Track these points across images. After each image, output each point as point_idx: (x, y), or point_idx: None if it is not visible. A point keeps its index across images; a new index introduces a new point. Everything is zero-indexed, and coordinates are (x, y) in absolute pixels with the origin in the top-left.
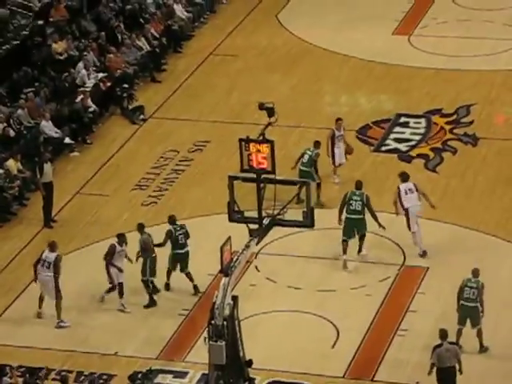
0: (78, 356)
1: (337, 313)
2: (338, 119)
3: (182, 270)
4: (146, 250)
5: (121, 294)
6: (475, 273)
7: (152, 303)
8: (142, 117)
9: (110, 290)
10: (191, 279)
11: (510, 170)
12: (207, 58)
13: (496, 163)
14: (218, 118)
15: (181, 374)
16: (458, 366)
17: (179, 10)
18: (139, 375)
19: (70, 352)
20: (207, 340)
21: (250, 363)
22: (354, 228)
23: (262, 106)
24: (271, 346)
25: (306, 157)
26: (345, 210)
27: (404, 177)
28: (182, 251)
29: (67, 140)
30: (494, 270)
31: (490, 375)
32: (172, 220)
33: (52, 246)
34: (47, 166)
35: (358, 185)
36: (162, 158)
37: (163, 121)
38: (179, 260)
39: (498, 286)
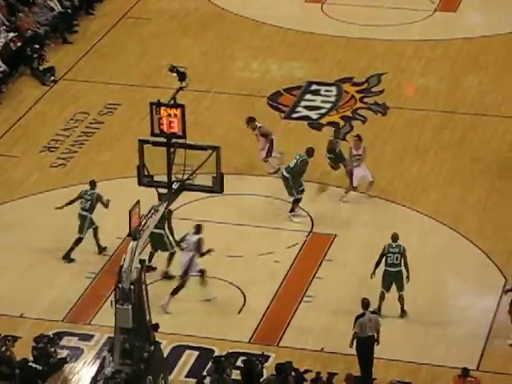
0: None
1: (244, 279)
2: (356, 136)
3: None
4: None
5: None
6: (395, 237)
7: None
8: (52, 78)
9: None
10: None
11: (418, 140)
12: (120, 20)
13: (405, 133)
14: (130, 81)
15: (86, 337)
16: (376, 336)
17: None
18: (45, 338)
19: None
20: (113, 303)
21: (156, 327)
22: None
23: (172, 69)
24: (178, 311)
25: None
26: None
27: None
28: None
29: None
30: (402, 240)
31: (410, 339)
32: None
33: None
34: None
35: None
36: (71, 120)
37: (74, 83)
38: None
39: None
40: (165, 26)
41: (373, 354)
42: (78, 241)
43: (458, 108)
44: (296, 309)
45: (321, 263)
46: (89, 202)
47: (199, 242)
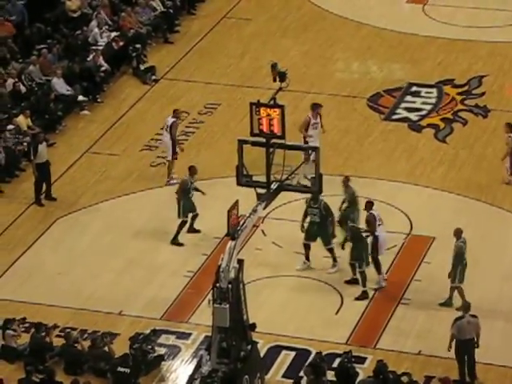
0: (82, 314)
1: (341, 280)
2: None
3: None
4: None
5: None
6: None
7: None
8: (153, 77)
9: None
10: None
11: None
12: (220, 20)
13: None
14: (230, 81)
15: (184, 336)
16: (476, 339)
17: None
18: (140, 337)
19: (74, 310)
20: (211, 302)
21: (253, 327)
22: None
23: (274, 67)
24: (275, 311)
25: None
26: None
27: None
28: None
29: (80, 97)
30: (500, 241)
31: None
32: (192, 171)
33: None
34: (42, 147)
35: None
36: None
37: (174, 82)
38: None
39: (502, 255)
40: (265, 26)
41: (473, 358)
42: (182, 224)
43: None
44: (394, 311)
45: (419, 265)
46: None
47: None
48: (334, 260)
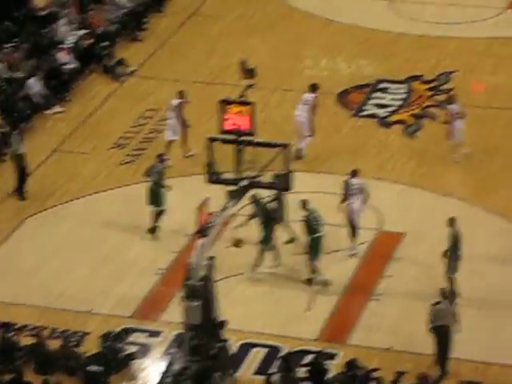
0: (52, 312)
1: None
2: None
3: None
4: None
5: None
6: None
7: None
8: (130, 69)
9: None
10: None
11: (486, 139)
12: (189, 18)
13: (474, 131)
14: (199, 78)
15: (155, 333)
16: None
17: None
18: (111, 335)
19: (44, 308)
20: (182, 300)
21: (223, 324)
22: None
23: (243, 64)
24: (246, 308)
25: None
26: None
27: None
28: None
29: (57, 108)
30: (470, 237)
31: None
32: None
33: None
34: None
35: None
36: (141, 117)
37: (143, 80)
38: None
39: (472, 251)
40: (233, 24)
41: (448, 345)
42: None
43: None
44: (364, 307)
45: (390, 261)
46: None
47: None
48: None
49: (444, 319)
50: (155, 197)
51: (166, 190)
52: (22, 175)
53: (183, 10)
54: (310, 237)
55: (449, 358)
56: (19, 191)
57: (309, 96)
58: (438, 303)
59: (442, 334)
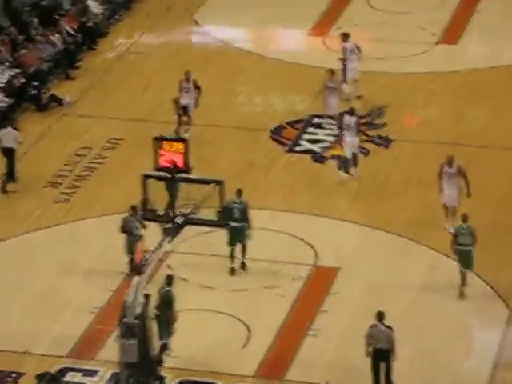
0: None
1: (249, 312)
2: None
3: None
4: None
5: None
6: (465, 219)
7: None
8: (67, 99)
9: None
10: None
11: (421, 172)
12: (122, 55)
13: (408, 165)
14: (133, 115)
15: (91, 373)
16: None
17: (94, 7)
18: (47, 375)
19: None
20: (118, 338)
21: (160, 362)
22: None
23: (177, 101)
24: (182, 345)
25: (237, 212)
26: None
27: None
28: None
29: None
30: (404, 271)
31: (416, 373)
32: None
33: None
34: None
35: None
36: (75, 155)
37: (77, 118)
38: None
39: (406, 284)
40: (166, 60)
41: (388, 371)
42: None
43: (461, 140)
44: (301, 342)
45: (325, 296)
46: None
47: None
48: None
49: (382, 342)
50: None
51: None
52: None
53: (116, 47)
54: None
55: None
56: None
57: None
58: (374, 326)
59: (380, 357)
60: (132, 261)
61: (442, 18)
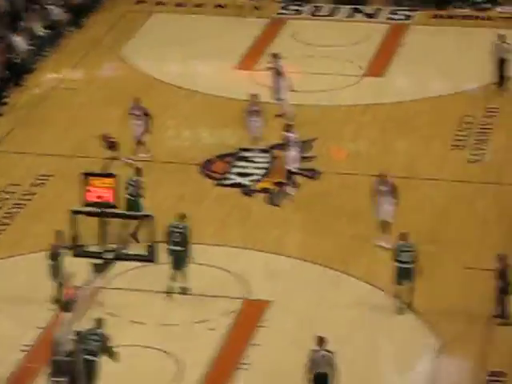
0: None
1: (180, 347)
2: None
3: None
4: None
5: None
6: (404, 237)
7: None
8: None
9: None
10: None
11: (351, 204)
12: (49, 91)
13: (337, 197)
14: (61, 151)
15: None
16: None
17: (21, 43)
18: None
19: None
20: (49, 376)
21: None
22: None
23: (105, 138)
24: (113, 381)
25: (178, 236)
26: None
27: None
28: None
29: None
30: (335, 304)
31: None
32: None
33: None
34: None
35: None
36: (3, 191)
37: (4, 154)
38: None
39: (337, 317)
40: (94, 96)
41: None
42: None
43: (389, 171)
44: (233, 376)
45: (257, 330)
46: None
47: None
48: None
49: (323, 367)
50: None
51: None
52: None
53: (43, 83)
54: None
55: None
56: None
57: None
58: (316, 351)
59: (320, 382)
60: (60, 288)
61: (368, 50)
